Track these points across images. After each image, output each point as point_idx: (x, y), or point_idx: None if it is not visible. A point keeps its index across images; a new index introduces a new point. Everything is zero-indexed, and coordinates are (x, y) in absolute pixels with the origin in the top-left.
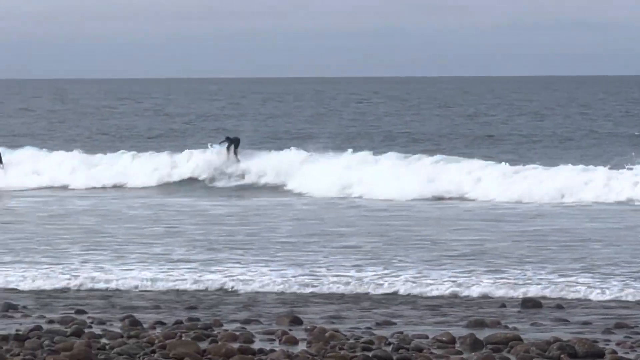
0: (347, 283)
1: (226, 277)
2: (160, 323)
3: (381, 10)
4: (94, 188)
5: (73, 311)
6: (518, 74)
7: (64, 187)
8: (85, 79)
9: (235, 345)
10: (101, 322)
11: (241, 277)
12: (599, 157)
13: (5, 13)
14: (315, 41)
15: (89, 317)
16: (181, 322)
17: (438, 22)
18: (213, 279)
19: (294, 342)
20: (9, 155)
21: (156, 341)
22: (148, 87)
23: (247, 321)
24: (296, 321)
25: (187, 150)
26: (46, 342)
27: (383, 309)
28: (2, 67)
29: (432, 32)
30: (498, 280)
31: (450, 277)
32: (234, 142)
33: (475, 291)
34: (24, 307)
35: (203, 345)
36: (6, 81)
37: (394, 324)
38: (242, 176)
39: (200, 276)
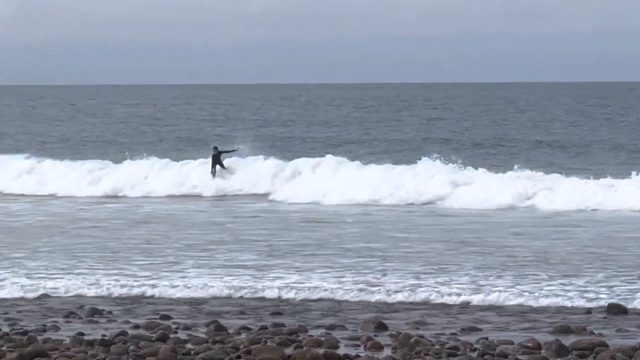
0: (431, 290)
1: (309, 283)
2: (246, 328)
3: (460, 16)
4: (171, 196)
5: (158, 316)
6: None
7: (144, 196)
8: (170, 85)
9: (321, 351)
10: (186, 328)
11: (324, 284)
12: None
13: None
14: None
15: (174, 323)
16: (266, 328)
17: (522, 28)
18: (296, 286)
19: (379, 347)
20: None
21: (241, 346)
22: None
23: (332, 327)
24: (381, 327)
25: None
26: (131, 347)
27: (468, 315)
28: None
29: (515, 38)
30: (580, 287)
31: (534, 283)
32: (217, 155)
33: (557, 298)
34: (110, 312)
35: (288, 350)
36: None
37: (480, 330)
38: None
39: (283, 282)
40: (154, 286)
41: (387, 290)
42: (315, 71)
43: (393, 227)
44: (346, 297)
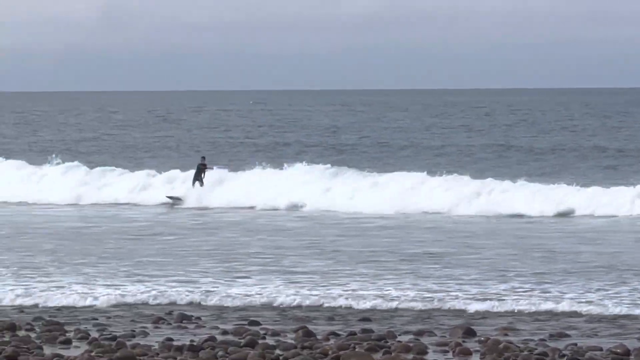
0: (515, 298)
1: (396, 290)
2: (334, 334)
3: (552, 21)
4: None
5: (247, 322)
6: None
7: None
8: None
9: (409, 357)
10: (275, 334)
11: (409, 291)
12: None
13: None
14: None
15: (262, 328)
16: (355, 334)
17: (614, 33)
18: (383, 293)
19: (468, 353)
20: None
21: (330, 352)
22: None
23: (420, 332)
24: (470, 332)
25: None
26: (220, 353)
27: (556, 321)
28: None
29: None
30: None
31: (619, 290)
32: (202, 165)
33: None
34: (198, 318)
35: (377, 356)
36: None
37: (568, 336)
38: None
39: (369, 289)
40: (242, 292)
41: (474, 297)
42: (395, 77)
43: (470, 234)
44: (434, 304)
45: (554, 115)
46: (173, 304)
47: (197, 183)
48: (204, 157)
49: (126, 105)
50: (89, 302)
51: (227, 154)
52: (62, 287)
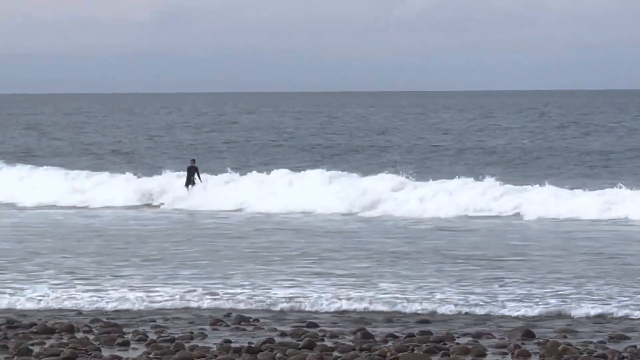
0: (571, 301)
1: (452, 292)
2: (393, 336)
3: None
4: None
5: (305, 324)
6: None
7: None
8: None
9: (468, 359)
10: (333, 335)
11: (466, 294)
12: None
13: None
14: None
15: (320, 330)
16: (413, 336)
17: None
18: (437, 295)
19: (527, 355)
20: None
21: (388, 354)
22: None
23: (479, 334)
24: (529, 335)
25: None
26: (278, 355)
27: (616, 324)
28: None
29: None
30: None
31: None
32: (191, 172)
33: None
34: (256, 320)
35: (435, 358)
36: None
37: (628, 338)
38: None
39: (429, 292)
40: (298, 293)
41: (530, 299)
42: (448, 78)
43: (516, 236)
44: (490, 307)
45: (608, 117)
46: (233, 306)
47: (190, 185)
48: (193, 160)
49: (177, 107)
50: (145, 304)
51: (261, 153)
52: (115, 289)
